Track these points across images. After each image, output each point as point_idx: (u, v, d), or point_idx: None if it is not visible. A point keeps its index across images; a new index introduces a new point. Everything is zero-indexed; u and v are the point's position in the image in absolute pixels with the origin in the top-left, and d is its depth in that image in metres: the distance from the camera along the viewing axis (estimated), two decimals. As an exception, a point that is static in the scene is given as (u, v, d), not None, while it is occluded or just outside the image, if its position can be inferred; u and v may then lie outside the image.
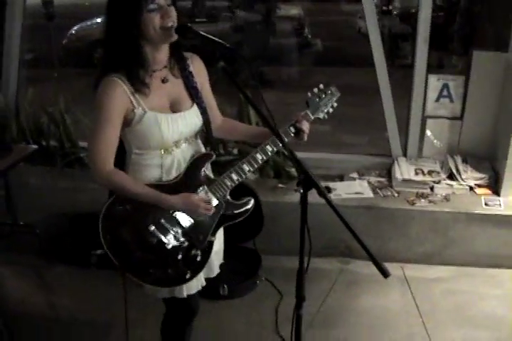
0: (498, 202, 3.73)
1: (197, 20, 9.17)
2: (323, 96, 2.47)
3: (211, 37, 2.04)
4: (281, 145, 2.25)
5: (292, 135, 2.34)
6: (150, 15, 2.07)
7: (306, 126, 2.35)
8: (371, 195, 3.94)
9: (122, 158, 2.31)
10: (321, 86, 2.45)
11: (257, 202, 3.14)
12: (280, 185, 4.12)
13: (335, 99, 2.50)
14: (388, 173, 4.20)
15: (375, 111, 4.34)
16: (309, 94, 2.44)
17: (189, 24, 2.09)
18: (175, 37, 2.14)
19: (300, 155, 4.28)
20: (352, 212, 3.78)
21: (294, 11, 11.18)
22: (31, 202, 4.00)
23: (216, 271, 2.57)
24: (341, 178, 4.21)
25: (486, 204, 3.74)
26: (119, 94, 2.13)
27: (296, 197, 3.80)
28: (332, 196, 3.89)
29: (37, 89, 4.59)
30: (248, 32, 8.55)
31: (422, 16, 3.80)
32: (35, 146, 3.89)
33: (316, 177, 1.93)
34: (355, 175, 4.22)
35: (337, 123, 5.25)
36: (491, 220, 3.67)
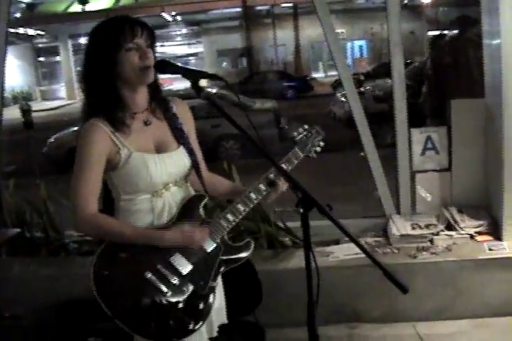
0: (502, 246, 3.61)
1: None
2: (310, 135, 2.46)
3: (191, 67, 2.03)
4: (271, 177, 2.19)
5: (265, 190, 2.28)
6: (128, 54, 2.07)
7: (280, 179, 2.27)
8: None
9: (110, 207, 2.21)
10: (306, 126, 2.47)
11: (254, 272, 3.02)
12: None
13: (320, 138, 2.49)
14: (384, 232, 4.08)
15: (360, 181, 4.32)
16: (295, 133, 2.44)
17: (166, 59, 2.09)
18: (152, 78, 2.14)
19: (292, 224, 4.22)
20: (353, 273, 3.65)
21: (269, 104, 11.53)
22: (16, 293, 3.80)
23: (215, 331, 2.37)
24: (337, 242, 4.08)
25: (490, 249, 3.61)
26: (101, 136, 2.09)
27: (292, 263, 3.71)
28: (330, 259, 3.77)
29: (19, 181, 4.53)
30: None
31: (395, 69, 3.85)
32: (17, 230, 3.76)
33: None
34: (351, 238, 4.10)
35: (327, 198, 5.22)
36: (498, 265, 3.53)
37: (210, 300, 2.20)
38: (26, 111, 10.22)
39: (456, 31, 5.57)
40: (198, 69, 2.03)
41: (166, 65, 2.09)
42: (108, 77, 2.09)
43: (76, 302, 3.65)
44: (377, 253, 3.78)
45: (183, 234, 2.12)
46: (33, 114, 10.86)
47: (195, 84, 1.98)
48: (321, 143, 2.47)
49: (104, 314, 2.05)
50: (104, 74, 2.08)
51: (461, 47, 5.21)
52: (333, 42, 3.90)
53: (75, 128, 10.79)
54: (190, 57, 36.34)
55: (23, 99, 25.56)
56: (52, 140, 10.68)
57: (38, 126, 11.35)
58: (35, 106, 12.02)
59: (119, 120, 2.11)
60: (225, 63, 36.98)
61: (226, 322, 2.44)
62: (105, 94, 2.10)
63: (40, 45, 37.52)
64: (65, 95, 34.03)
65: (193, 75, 2.00)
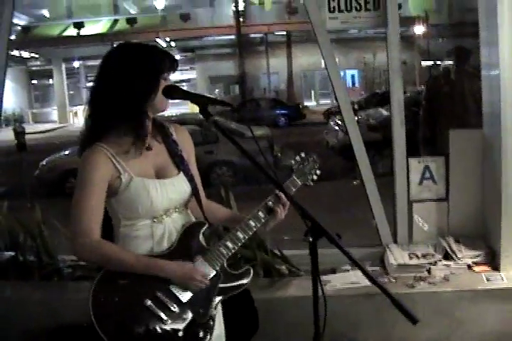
0: (499, 277, 3.60)
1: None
2: (307, 163, 2.45)
3: (199, 93, 2.04)
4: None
5: (264, 218, 2.27)
6: (164, 83, 2.11)
7: (279, 206, 2.28)
8: (367, 283, 3.73)
9: (109, 234, 2.19)
10: (303, 154, 2.46)
11: (250, 300, 3.00)
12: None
13: (317, 166, 2.49)
14: (381, 262, 4.06)
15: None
16: (292, 161, 2.43)
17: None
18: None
19: (287, 252, 4.18)
20: (350, 302, 3.62)
21: (262, 131, 11.56)
22: (8, 317, 3.73)
23: None
24: (334, 271, 4.06)
25: (487, 279, 3.60)
26: (104, 161, 2.08)
27: (290, 291, 3.68)
28: (327, 288, 3.73)
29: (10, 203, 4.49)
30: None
31: (394, 97, 3.87)
32: (10, 253, 3.71)
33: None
34: (347, 267, 4.07)
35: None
36: (496, 296, 3.51)
37: (210, 327, 2.18)
38: (20, 133, 10.21)
39: (450, 62, 5.64)
40: (207, 95, 2.04)
41: (175, 91, 2.10)
42: (144, 101, 2.09)
43: (68, 327, 3.59)
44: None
45: (184, 273, 2.10)
46: (27, 137, 10.84)
47: (204, 110, 1.98)
48: (318, 172, 2.48)
49: (97, 340, 2.02)
50: (141, 99, 2.08)
51: (457, 78, 5.28)
52: (333, 70, 3.93)
53: (67, 152, 10.81)
54: (183, 83, 36.51)
55: (15, 122, 25.54)
56: (44, 163, 10.64)
57: (31, 149, 11.29)
58: (27, 128, 11.97)
59: (139, 144, 2.12)
60: (217, 90, 37.16)
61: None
62: (136, 118, 2.10)
63: (34, 68, 37.61)
64: (57, 118, 34.04)
65: (202, 101, 2.00)
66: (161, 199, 2.14)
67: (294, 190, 2.39)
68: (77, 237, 2.05)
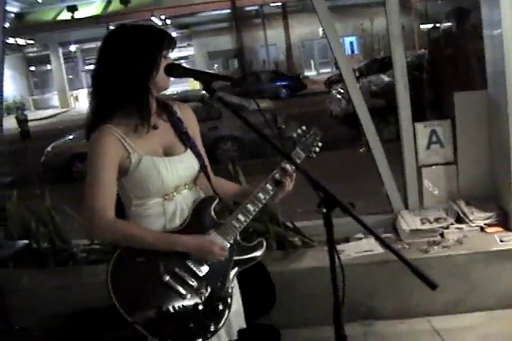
0: (513, 237, 3.59)
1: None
2: (308, 135, 2.48)
3: (201, 70, 2.04)
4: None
5: (272, 190, 2.30)
6: (165, 61, 2.12)
7: (286, 178, 2.31)
8: (381, 250, 3.77)
9: (121, 215, 2.20)
10: (304, 127, 2.48)
11: (266, 274, 3.01)
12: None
13: (319, 138, 2.51)
14: (394, 228, 4.06)
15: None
16: (294, 134, 2.45)
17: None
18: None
19: (300, 224, 4.17)
20: (366, 270, 3.63)
21: (264, 104, 11.51)
22: (26, 305, 3.76)
23: (235, 335, 2.37)
24: (347, 240, 4.06)
25: (501, 240, 3.59)
26: (113, 141, 2.09)
27: (304, 263, 3.69)
28: (342, 257, 3.70)
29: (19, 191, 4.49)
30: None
31: (396, 63, 3.83)
32: (24, 241, 3.72)
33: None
34: (360, 235, 4.07)
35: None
36: (510, 256, 3.50)
37: (229, 301, 2.22)
38: (23, 121, 10.20)
39: (450, 23, 5.57)
40: (209, 71, 2.02)
41: (177, 69, 2.11)
42: (147, 80, 2.10)
43: (87, 311, 3.62)
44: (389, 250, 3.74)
45: (203, 246, 2.13)
46: (29, 124, 10.82)
47: (208, 87, 1.98)
48: (320, 144, 2.50)
49: (117, 322, 2.03)
50: (143, 78, 2.09)
51: (458, 39, 5.21)
52: (333, 39, 3.87)
53: (71, 137, 10.81)
54: (182, 61, 36.26)
55: (17, 109, 25.51)
56: (49, 149, 10.64)
57: (35, 136, 11.27)
58: (29, 115, 11.95)
59: (144, 123, 2.13)
60: (216, 65, 36.96)
61: (244, 326, 2.42)
62: (140, 97, 2.11)
63: (31, 55, 37.46)
64: (58, 104, 33.99)
65: (204, 77, 2.00)
66: (171, 176, 2.16)
67: (298, 161, 2.41)
68: (93, 218, 2.07)
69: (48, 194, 4.33)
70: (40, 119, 26.19)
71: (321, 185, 1.84)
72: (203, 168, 2.30)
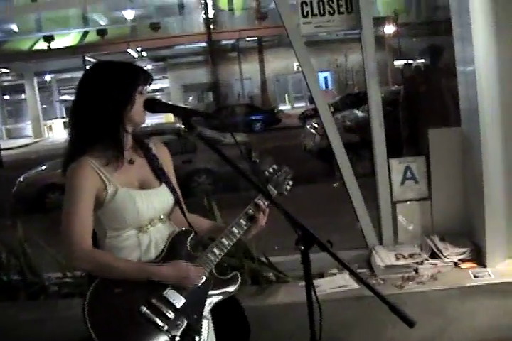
0: (486, 273, 3.63)
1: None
2: (280, 173, 2.53)
3: (181, 105, 2.06)
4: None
5: (245, 225, 2.33)
6: (141, 97, 2.17)
7: (259, 214, 2.34)
8: (356, 286, 3.78)
9: (96, 246, 2.20)
10: (275, 166, 2.54)
11: (240, 309, 2.99)
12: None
13: (289, 176, 2.56)
14: (368, 264, 4.07)
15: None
16: (266, 173, 2.49)
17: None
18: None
19: (274, 259, 4.16)
20: (340, 306, 3.62)
21: (239, 137, 11.53)
22: (-3, 340, 3.68)
23: None
24: (321, 275, 4.05)
25: (475, 276, 3.62)
26: (90, 173, 2.12)
27: (279, 298, 3.67)
28: (317, 292, 3.72)
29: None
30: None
31: (372, 98, 3.89)
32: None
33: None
34: (334, 270, 4.07)
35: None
36: (485, 291, 3.53)
37: (204, 334, 2.22)
38: (-4, 150, 10.10)
39: (424, 60, 5.70)
40: (189, 106, 2.05)
41: (157, 104, 2.14)
42: (120, 115, 2.15)
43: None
44: (363, 286, 3.74)
45: (179, 272, 2.14)
46: (2, 153, 10.71)
47: (187, 122, 2.01)
48: (291, 182, 2.54)
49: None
50: (117, 113, 2.14)
51: (432, 76, 5.31)
52: (309, 74, 3.93)
53: (44, 167, 10.70)
54: (157, 93, 36.41)
55: (-11, 139, 25.26)
56: (21, 179, 10.51)
57: (7, 165, 11.15)
58: (2, 144, 11.86)
59: (117, 157, 2.17)
60: (191, 98, 37.07)
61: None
62: (114, 131, 2.16)
63: (5, 83, 37.24)
64: (32, 133, 33.73)
65: (184, 113, 2.03)
66: (147, 208, 2.19)
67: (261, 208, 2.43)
68: (71, 247, 2.08)
69: (20, 225, 4.27)
70: (13, 149, 25.93)
71: (299, 223, 1.85)
72: (178, 201, 2.34)
